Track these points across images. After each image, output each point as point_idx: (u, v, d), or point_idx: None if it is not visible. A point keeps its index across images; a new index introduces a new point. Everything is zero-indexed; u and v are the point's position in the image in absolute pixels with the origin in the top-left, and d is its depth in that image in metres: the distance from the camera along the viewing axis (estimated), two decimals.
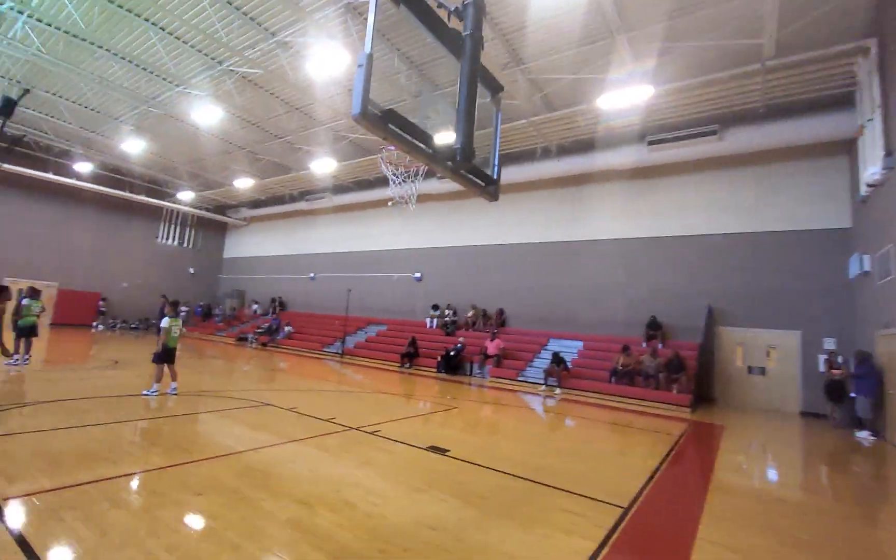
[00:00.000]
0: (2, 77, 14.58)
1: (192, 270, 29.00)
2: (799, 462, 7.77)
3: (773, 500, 5.13)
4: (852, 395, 9.81)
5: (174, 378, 8.00)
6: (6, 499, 3.37)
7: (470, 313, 18.06)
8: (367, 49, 2.96)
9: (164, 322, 7.99)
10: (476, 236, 19.05)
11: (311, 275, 24.87)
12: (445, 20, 3.68)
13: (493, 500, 4.20)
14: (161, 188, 25.72)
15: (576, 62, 11.38)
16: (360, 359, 17.74)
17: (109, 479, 3.92)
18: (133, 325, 24.55)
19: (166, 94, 15.09)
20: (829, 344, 11.77)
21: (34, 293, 10.02)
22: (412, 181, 5.24)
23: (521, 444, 6.84)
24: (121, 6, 11.05)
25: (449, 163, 3.55)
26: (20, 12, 11.08)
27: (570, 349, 14.92)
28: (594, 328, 15.40)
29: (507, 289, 17.74)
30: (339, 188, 22.54)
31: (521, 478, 4.90)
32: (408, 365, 16.11)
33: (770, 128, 12.17)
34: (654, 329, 13.96)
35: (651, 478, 5.30)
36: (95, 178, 22.62)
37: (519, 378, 14.31)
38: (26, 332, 9.50)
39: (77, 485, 3.74)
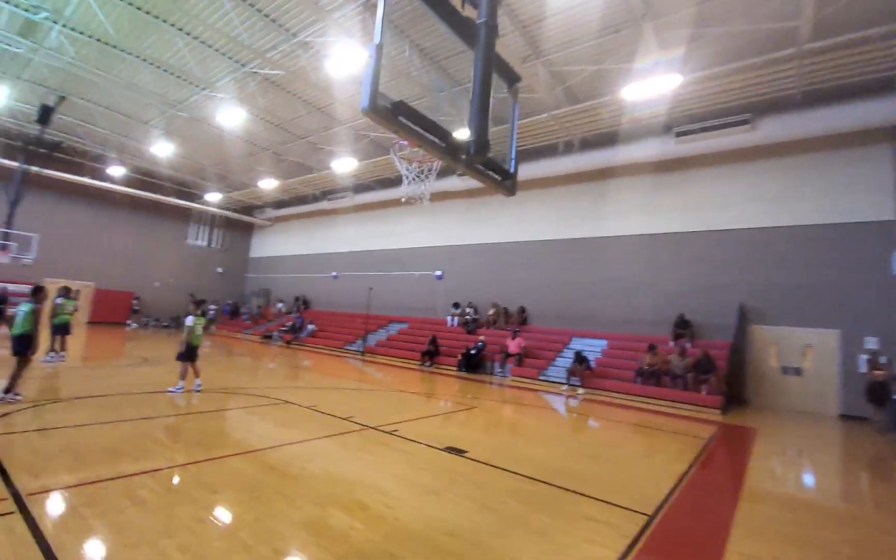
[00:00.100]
0: (40, 85, 15.23)
1: (220, 270, 29.76)
2: (838, 468, 7.32)
3: (810, 510, 4.83)
4: None
5: (197, 375, 8.17)
6: (30, 494, 3.45)
7: (491, 311, 17.88)
8: (377, 39, 2.88)
9: (189, 320, 8.15)
10: (497, 233, 18.84)
11: (334, 273, 25.13)
12: (459, 8, 3.57)
13: (511, 504, 4.07)
14: (190, 190, 26.48)
15: (599, 52, 11.06)
16: (381, 357, 17.81)
17: (129, 475, 3.98)
18: (164, 323, 25.35)
19: (193, 98, 15.45)
20: (871, 343, 11.10)
21: (67, 292, 10.41)
22: (426, 177, 5.14)
23: (541, 446, 6.67)
24: (148, 12, 11.34)
25: (463, 156, 3.44)
26: (55, 22, 11.50)
27: (594, 348, 14.58)
28: (619, 326, 15.00)
29: (529, 286, 17.48)
30: (361, 187, 22.69)
31: (541, 481, 4.75)
32: (428, 363, 16.07)
33: (807, 115, 11.55)
34: (683, 327, 13.48)
35: (678, 483, 5.07)
36: (128, 182, 23.45)
37: (540, 377, 14.08)
38: (60, 330, 9.89)
39: (98, 481, 3.81)
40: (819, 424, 10.37)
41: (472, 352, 15.35)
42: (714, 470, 6.18)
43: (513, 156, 4.15)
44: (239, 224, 30.22)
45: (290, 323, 22.84)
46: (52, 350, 9.89)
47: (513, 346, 14.94)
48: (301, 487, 4.05)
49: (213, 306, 27.76)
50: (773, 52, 10.13)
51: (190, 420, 6.37)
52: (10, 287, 19.53)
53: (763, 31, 9.64)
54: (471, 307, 18.57)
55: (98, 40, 12.42)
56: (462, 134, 3.41)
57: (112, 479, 3.87)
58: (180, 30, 11.97)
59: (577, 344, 14.89)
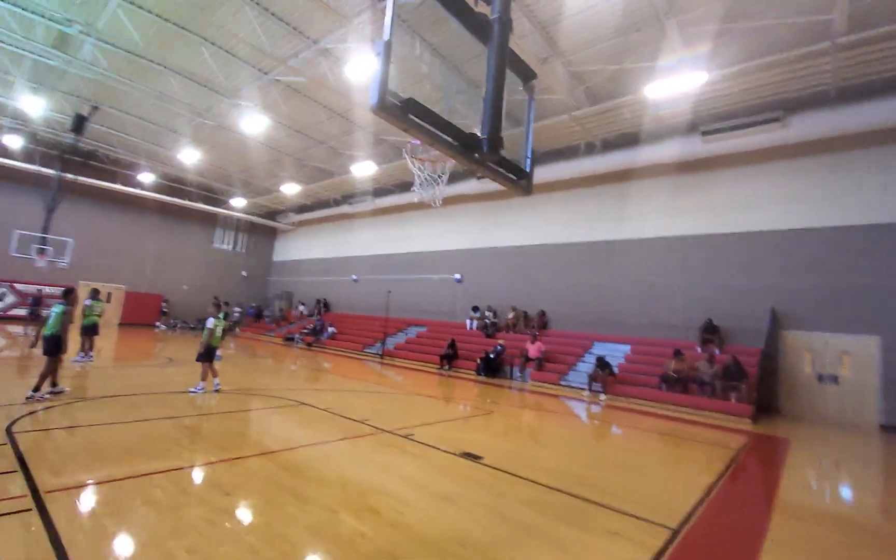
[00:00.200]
0: (74, 96, 15.88)
1: (244, 273, 30.42)
2: (879, 482, 6.87)
3: (848, 526, 4.52)
4: None
5: (215, 375, 8.31)
6: (48, 492, 3.50)
7: (510, 315, 17.68)
8: (386, 36, 2.82)
9: (210, 322, 8.29)
10: (517, 236, 18.64)
11: (354, 277, 25.35)
12: (472, 5, 3.49)
13: (527, 514, 3.93)
14: (216, 196, 27.18)
15: (620, 51, 10.82)
16: (399, 360, 17.81)
17: (144, 475, 4.01)
18: (192, 325, 26.01)
19: (219, 107, 15.83)
20: None
21: (96, 294, 10.75)
22: (439, 176, 5.05)
23: (561, 454, 6.49)
24: (175, 24, 11.67)
25: (476, 155, 3.34)
26: (88, 35, 11.95)
27: (617, 353, 14.22)
28: (643, 331, 14.59)
29: (549, 290, 17.20)
30: (380, 191, 22.84)
31: (560, 491, 4.59)
32: (447, 367, 15.98)
33: (842, 112, 11.01)
34: (711, 333, 13.00)
35: (706, 496, 4.82)
36: (157, 188, 24.24)
37: (561, 382, 13.79)
38: (89, 331, 10.22)
39: (113, 480, 3.85)
40: (858, 435, 9.81)
41: (492, 356, 15.18)
42: (744, 482, 5.88)
43: (528, 154, 4.04)
44: (263, 228, 30.87)
45: (311, 326, 23.12)
46: (82, 350, 10.22)
47: (533, 350, 14.71)
48: (312, 491, 4.01)
49: (237, 309, 28.43)
50: (804, 46, 9.71)
51: (207, 421, 6.44)
52: (47, 289, 20.49)
53: (794, 24, 9.24)
54: (490, 311, 18.40)
55: (128, 52, 12.85)
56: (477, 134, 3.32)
57: (127, 478, 3.91)
58: (205, 39, 12.26)
59: (600, 349, 14.56)
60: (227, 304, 12.79)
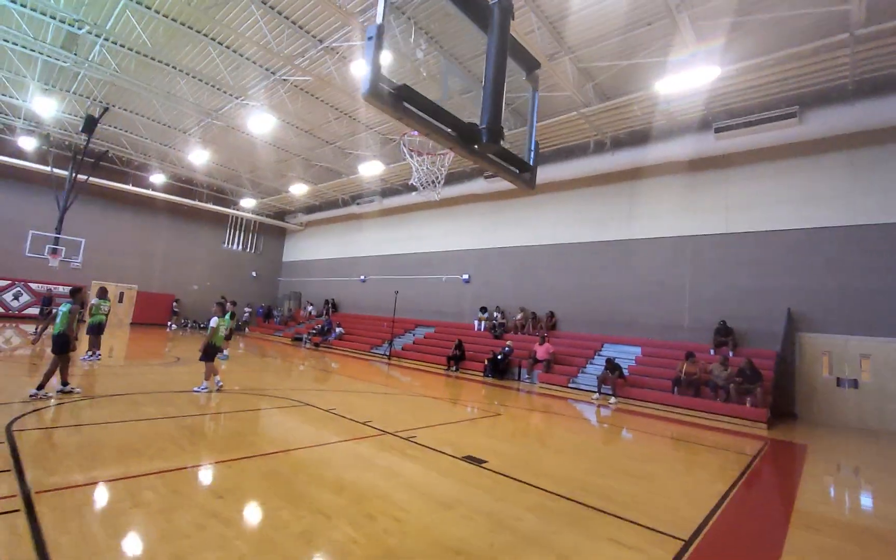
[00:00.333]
0: (85, 97, 16.06)
1: (254, 274, 30.59)
2: None
3: (871, 539, 4.27)
4: None
5: (216, 373, 8.28)
6: (38, 492, 3.43)
7: (519, 316, 17.47)
8: (379, 19, 2.70)
9: (213, 322, 8.26)
10: (526, 236, 18.42)
11: (362, 277, 25.33)
12: None
13: (529, 522, 3.77)
14: (226, 197, 27.40)
15: (630, 47, 10.59)
16: (406, 361, 17.70)
17: (137, 476, 3.93)
18: (202, 325, 26.19)
19: (227, 107, 15.90)
20: None
21: (103, 293, 10.80)
22: (439, 170, 4.92)
23: (567, 458, 6.30)
24: (182, 23, 11.71)
25: (475, 146, 3.20)
26: (97, 36, 12.05)
27: (627, 355, 13.94)
28: (654, 333, 14.29)
29: (558, 290, 16.97)
30: (388, 191, 22.79)
31: (566, 498, 4.41)
32: (454, 368, 15.83)
33: (860, 107, 10.65)
34: (725, 335, 12.67)
35: (719, 505, 4.61)
36: (168, 189, 24.49)
37: (570, 385, 13.56)
38: (95, 330, 10.26)
39: (106, 481, 3.77)
40: (879, 442, 9.44)
41: (499, 357, 14.99)
42: (760, 490, 5.64)
43: (532, 147, 3.88)
44: (272, 229, 31.04)
45: (319, 326, 23.13)
46: (90, 350, 10.27)
47: (541, 351, 14.49)
48: (308, 494, 3.89)
49: (247, 308, 28.61)
50: (820, 39, 9.39)
51: (207, 420, 6.37)
52: (62, 289, 20.77)
53: (809, 16, 8.95)
54: (498, 311, 18.21)
55: (137, 53, 12.94)
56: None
57: (120, 478, 3.84)
58: (213, 39, 12.30)
59: (610, 350, 14.31)
60: (234, 303, 12.76)
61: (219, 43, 12.47)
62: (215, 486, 3.90)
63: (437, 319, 20.57)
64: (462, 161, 17.90)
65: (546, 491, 4.55)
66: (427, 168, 4.67)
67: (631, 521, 3.93)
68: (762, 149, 12.51)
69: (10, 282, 20.99)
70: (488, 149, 3.18)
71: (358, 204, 24.40)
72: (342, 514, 3.56)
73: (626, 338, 14.66)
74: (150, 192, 23.69)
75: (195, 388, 8.00)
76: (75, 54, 12.73)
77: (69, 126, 18.53)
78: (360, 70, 11.63)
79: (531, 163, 3.84)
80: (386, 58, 10.73)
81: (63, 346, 6.97)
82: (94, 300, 10.47)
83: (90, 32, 11.74)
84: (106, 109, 16.39)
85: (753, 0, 8.86)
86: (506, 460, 5.58)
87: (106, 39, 12.31)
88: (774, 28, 9.48)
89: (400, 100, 2.73)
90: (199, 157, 20.00)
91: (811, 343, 11.80)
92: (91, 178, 20.44)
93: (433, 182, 4.72)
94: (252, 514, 3.47)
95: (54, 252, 18.50)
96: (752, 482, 5.71)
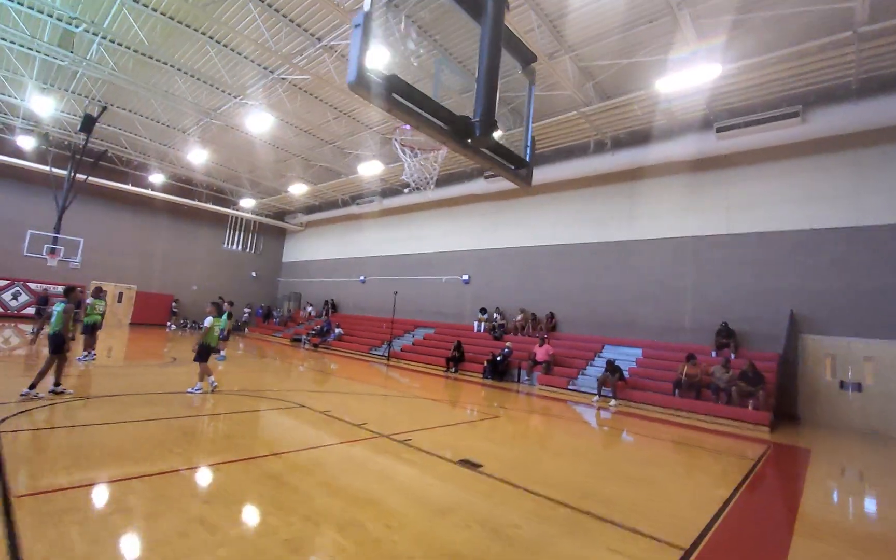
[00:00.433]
0: (83, 96, 15.99)
1: (254, 274, 30.51)
2: None
3: (877, 547, 4.15)
4: None
5: (209, 373, 8.18)
6: (18, 496, 3.33)
7: (518, 317, 17.35)
8: (367, 7, 2.59)
9: (208, 321, 8.17)
10: (526, 237, 18.30)
11: (362, 278, 25.23)
12: None
13: (525, 530, 3.65)
14: (226, 197, 27.32)
15: (631, 45, 10.48)
16: (405, 362, 17.59)
17: (122, 479, 3.83)
18: (201, 326, 26.07)
19: (225, 107, 15.81)
20: None
21: (99, 293, 10.71)
22: (432, 166, 4.81)
23: (566, 462, 6.18)
24: (180, 22, 11.63)
25: (468, 140, 3.09)
26: (95, 34, 11.98)
27: (628, 357, 13.81)
28: (655, 334, 14.16)
29: (559, 291, 16.84)
30: (388, 191, 22.69)
31: (563, 504, 4.29)
32: (453, 369, 15.71)
33: (865, 105, 10.51)
34: (726, 337, 12.53)
35: (720, 511, 4.49)
36: (168, 189, 24.41)
37: (570, 387, 13.43)
38: (90, 330, 10.17)
39: (90, 485, 3.67)
40: (884, 446, 9.30)
41: (498, 358, 14.87)
42: (763, 496, 5.51)
43: (528, 143, 3.77)
44: (272, 229, 30.96)
45: (318, 326, 23.03)
46: (85, 350, 10.17)
47: (541, 353, 14.36)
48: (297, 500, 3.78)
49: (247, 309, 28.52)
50: (824, 36, 9.26)
51: (200, 422, 6.27)
52: (60, 289, 20.69)
53: (813, 13, 8.82)
54: (498, 313, 18.09)
55: (135, 51, 12.87)
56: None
57: (105, 482, 3.73)
58: (211, 38, 12.21)
59: (610, 352, 14.17)
60: (231, 304, 12.68)
61: (216, 41, 12.38)
62: (201, 491, 3.80)
63: (437, 320, 20.46)
64: (463, 161, 17.81)
65: (542, 497, 4.43)
66: (420, 164, 4.55)
67: (630, 528, 3.81)
68: (764, 148, 12.37)
69: (8, 281, 20.95)
70: (482, 142, 3.07)
71: (357, 204, 24.31)
72: (331, 520, 3.45)
73: (626, 339, 14.52)
74: (149, 191, 23.62)
75: (189, 389, 7.90)
76: (73, 53, 12.66)
77: (68, 125, 18.47)
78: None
79: (527, 159, 3.73)
80: (384, 56, 10.66)
81: (59, 345, 6.89)
82: (89, 299, 10.38)
83: (87, 31, 11.66)
84: (104, 108, 16.32)
85: None
86: (504, 464, 5.46)
87: (103, 38, 12.24)
88: (776, 25, 9.36)
89: (389, 91, 2.62)
90: (198, 157, 19.92)
91: (814, 345, 11.65)
92: (90, 178, 20.36)
93: (426, 179, 4.61)
94: (238, 520, 3.36)
95: (53, 252, 18.43)
96: (754, 487, 5.59)
